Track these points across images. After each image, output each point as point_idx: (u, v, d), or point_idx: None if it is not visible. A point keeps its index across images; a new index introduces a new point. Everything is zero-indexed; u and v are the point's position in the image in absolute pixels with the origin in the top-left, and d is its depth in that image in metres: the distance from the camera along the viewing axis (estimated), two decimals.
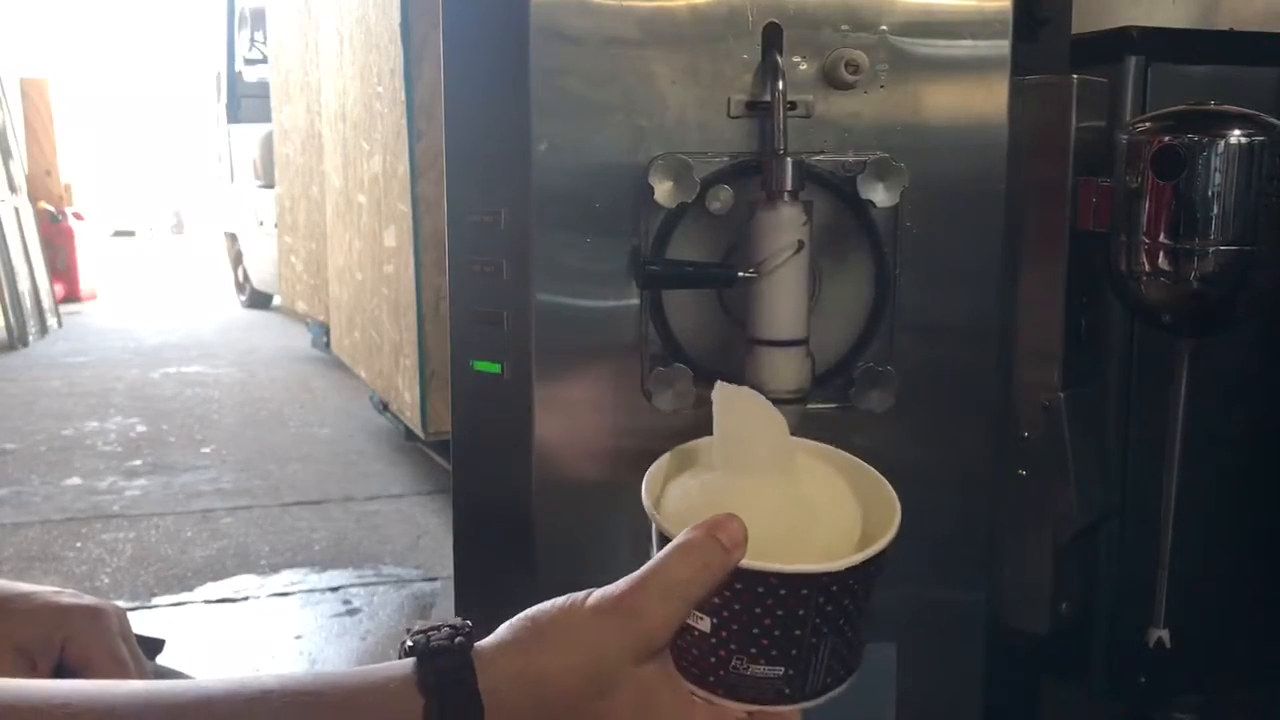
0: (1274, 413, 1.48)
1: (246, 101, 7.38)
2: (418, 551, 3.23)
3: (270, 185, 5.94)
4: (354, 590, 2.95)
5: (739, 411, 0.64)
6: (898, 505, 0.61)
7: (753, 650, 0.56)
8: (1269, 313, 1.27)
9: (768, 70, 1.07)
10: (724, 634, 0.56)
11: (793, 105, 1.07)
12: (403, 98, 3.02)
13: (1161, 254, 1.17)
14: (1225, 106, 1.17)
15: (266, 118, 5.76)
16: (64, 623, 0.72)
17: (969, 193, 1.15)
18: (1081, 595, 1.41)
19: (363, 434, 4.52)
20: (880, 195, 1.08)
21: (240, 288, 8.73)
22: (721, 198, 1.05)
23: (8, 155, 7.45)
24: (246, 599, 2.92)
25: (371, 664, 0.55)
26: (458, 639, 0.54)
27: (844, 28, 1.10)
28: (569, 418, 1.12)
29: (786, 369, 1.04)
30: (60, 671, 0.71)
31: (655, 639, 0.55)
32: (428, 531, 3.37)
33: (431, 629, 0.55)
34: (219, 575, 3.05)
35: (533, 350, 1.10)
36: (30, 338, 6.92)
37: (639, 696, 0.55)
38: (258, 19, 6.63)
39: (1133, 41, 1.36)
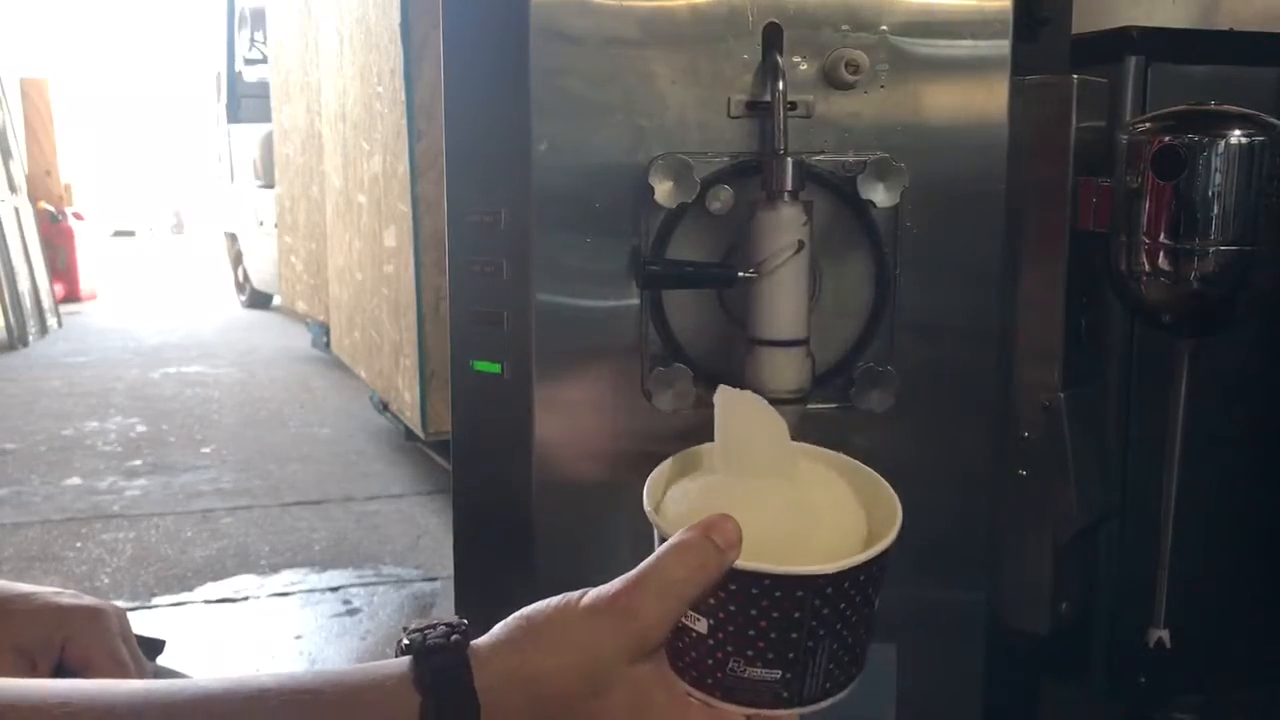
0: (1274, 413, 1.48)
1: (246, 101, 7.39)
2: (418, 551, 3.23)
3: (270, 185, 5.94)
4: (354, 590, 2.95)
5: (740, 415, 0.64)
6: (899, 509, 0.61)
7: (749, 652, 0.56)
8: (1269, 313, 1.27)
9: (768, 70, 1.07)
10: (720, 635, 0.56)
11: (793, 105, 1.07)
12: (403, 98, 3.02)
13: (1161, 254, 1.17)
14: (1225, 106, 1.17)
15: (266, 118, 5.77)
16: (64, 623, 0.72)
17: (969, 193, 1.15)
18: (1081, 595, 1.41)
19: (363, 434, 4.52)
20: (880, 195, 1.08)
21: (240, 288, 8.73)
22: (721, 198, 1.05)
23: (8, 155, 7.45)
24: (246, 599, 2.92)
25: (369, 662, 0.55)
26: (454, 637, 0.54)
27: (844, 28, 1.10)
28: (569, 418, 1.12)
29: (786, 369, 1.04)
30: (60, 672, 0.71)
31: (650, 638, 0.55)
32: (428, 531, 3.37)
33: (428, 627, 0.55)
34: (219, 575, 3.05)
35: (533, 350, 1.10)
36: (30, 338, 6.92)
37: (634, 696, 0.55)
38: (258, 19, 6.63)
39: (1133, 41, 1.36)
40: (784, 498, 0.62)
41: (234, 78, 7.62)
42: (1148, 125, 1.20)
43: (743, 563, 0.55)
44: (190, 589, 2.96)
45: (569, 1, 1.06)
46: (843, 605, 0.56)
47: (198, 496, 3.75)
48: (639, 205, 1.07)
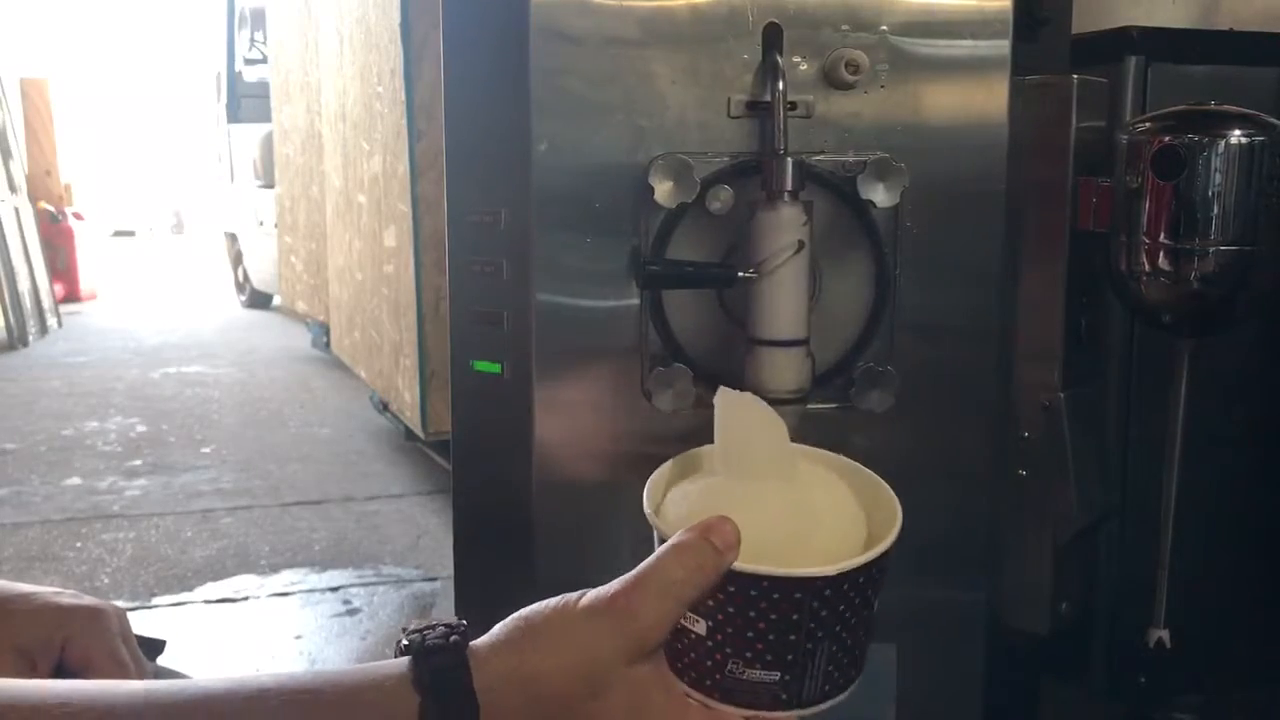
0: (1274, 413, 1.48)
1: (246, 101, 7.39)
2: (418, 551, 3.23)
3: (270, 185, 5.94)
4: (354, 590, 2.95)
5: (740, 417, 0.64)
6: (899, 511, 0.61)
7: (748, 654, 0.56)
8: (1269, 313, 1.27)
9: (768, 70, 1.07)
10: (719, 637, 0.56)
11: (793, 105, 1.07)
12: (403, 98, 3.02)
13: (1161, 254, 1.17)
14: (1225, 106, 1.17)
15: (266, 118, 5.77)
16: (64, 623, 0.72)
17: (969, 193, 1.15)
18: (1081, 595, 1.41)
19: (363, 434, 4.52)
20: (880, 195, 1.08)
21: (240, 288, 8.73)
22: (721, 198, 1.05)
23: (8, 155, 7.45)
24: (246, 599, 2.92)
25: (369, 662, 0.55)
26: (453, 638, 0.54)
27: (844, 28, 1.10)
28: (569, 418, 1.12)
29: (786, 369, 1.04)
30: (60, 672, 0.71)
31: (648, 639, 0.55)
32: (428, 531, 3.37)
33: (427, 628, 0.55)
34: (219, 575, 3.05)
35: (533, 350, 1.10)
36: (30, 338, 6.92)
37: (632, 697, 0.55)
38: (258, 19, 6.63)
39: (1133, 41, 1.36)
40: (783, 500, 0.62)
41: (234, 78, 7.62)
42: (1148, 125, 1.20)
43: (741, 564, 0.55)
44: (190, 589, 2.96)
45: (569, 1, 1.06)
46: (841, 608, 0.56)
47: (198, 496, 3.75)
48: (639, 205, 1.07)
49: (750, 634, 0.56)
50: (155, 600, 2.89)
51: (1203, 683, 1.49)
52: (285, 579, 3.03)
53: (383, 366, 3.60)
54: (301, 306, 5.23)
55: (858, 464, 0.67)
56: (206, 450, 4.36)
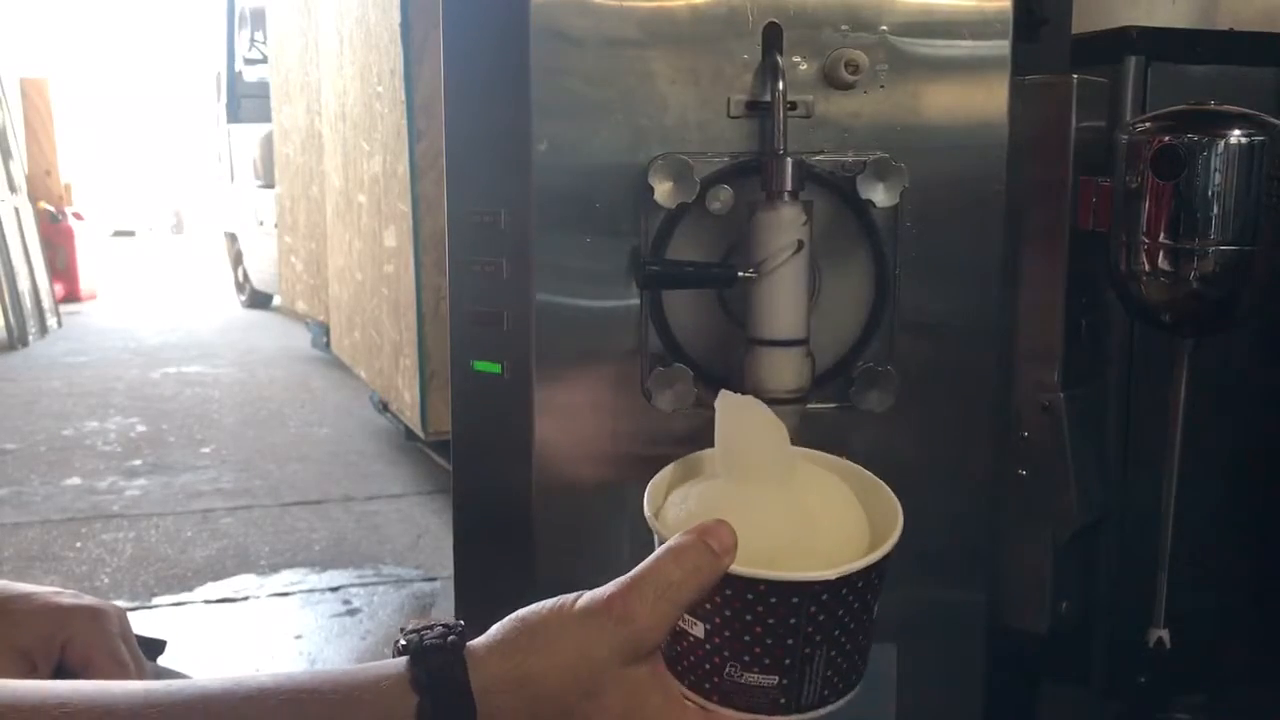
0: (1274, 413, 1.48)
1: (246, 101, 7.39)
2: (418, 551, 3.23)
3: (270, 185, 5.95)
4: (354, 590, 2.95)
5: (741, 420, 0.64)
6: (900, 516, 0.61)
7: (746, 658, 0.56)
8: (1269, 313, 1.27)
9: (768, 70, 1.07)
10: (717, 640, 0.56)
11: (793, 105, 1.07)
12: (403, 98, 3.02)
13: (1161, 254, 1.17)
14: (1225, 106, 1.17)
15: (266, 118, 5.77)
16: (64, 623, 0.72)
17: (969, 193, 1.15)
18: (1081, 595, 1.41)
19: (363, 434, 4.52)
20: (880, 195, 1.08)
21: (240, 288, 8.73)
22: (721, 198, 1.05)
23: (8, 155, 7.45)
24: (246, 599, 2.92)
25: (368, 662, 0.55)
26: (450, 638, 0.55)
27: (844, 28, 1.10)
28: (569, 418, 1.12)
29: (786, 369, 1.04)
30: (60, 672, 0.71)
31: (643, 641, 0.55)
32: (428, 531, 3.37)
33: (424, 628, 0.55)
34: (219, 575, 3.05)
35: (533, 350, 1.10)
36: (30, 338, 6.92)
37: (628, 699, 0.55)
38: (258, 19, 6.63)
39: (1133, 41, 1.35)
40: (784, 503, 0.62)
41: (234, 78, 7.62)
42: (1148, 125, 1.20)
43: (738, 568, 0.55)
44: (190, 589, 2.96)
45: (569, 1, 1.06)
46: (840, 612, 0.56)
47: (198, 496, 3.75)
48: (639, 205, 1.07)
49: (748, 638, 0.56)
50: (155, 600, 2.89)
51: (1203, 683, 1.49)
52: (285, 579, 3.03)
53: (383, 366, 3.60)
54: (301, 306, 5.23)
55: (860, 467, 0.67)
56: (206, 450, 4.36)
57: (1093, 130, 1.31)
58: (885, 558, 0.57)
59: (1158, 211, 1.17)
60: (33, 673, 0.70)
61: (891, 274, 1.12)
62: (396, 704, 0.52)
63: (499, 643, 0.55)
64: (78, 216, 9.03)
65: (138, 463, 4.17)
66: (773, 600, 0.55)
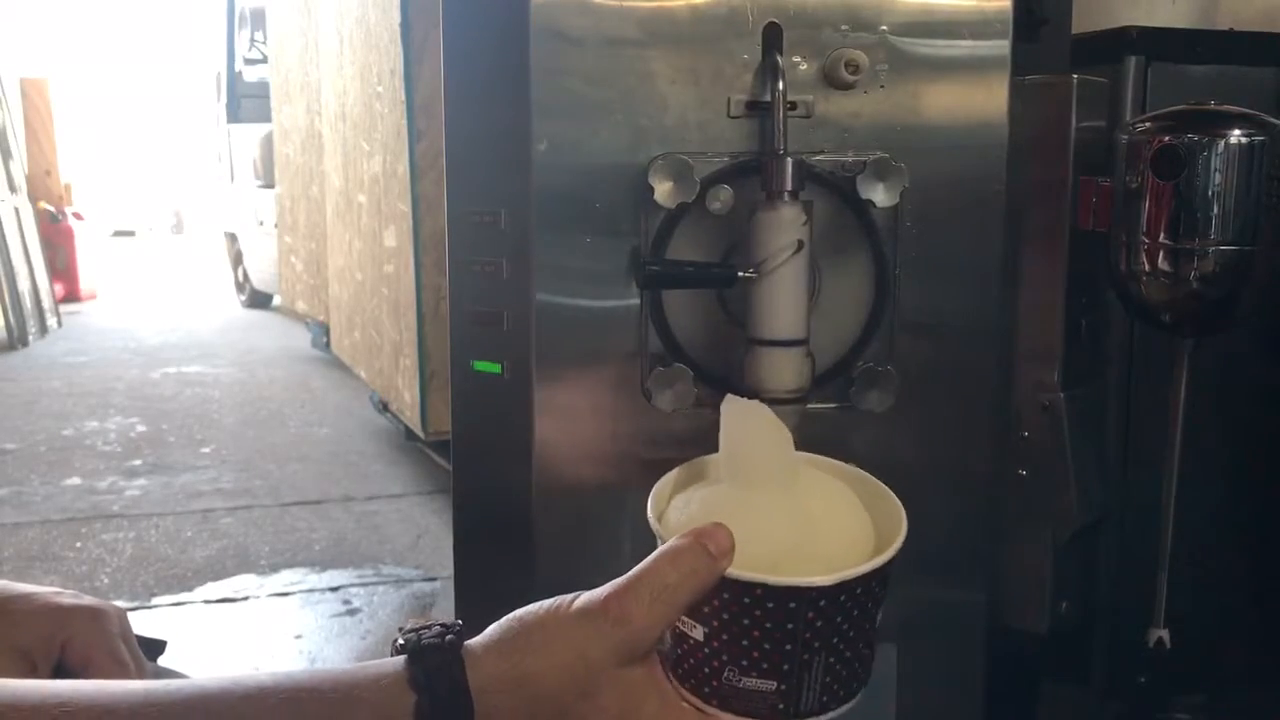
0: (1274, 413, 1.48)
1: (246, 101, 7.39)
2: (417, 551, 3.23)
3: (270, 185, 5.94)
4: (354, 590, 2.95)
5: (745, 425, 0.63)
6: (904, 523, 0.60)
7: (744, 662, 0.56)
8: (1269, 313, 1.27)
9: (768, 70, 1.07)
10: (715, 644, 0.56)
11: (793, 105, 1.07)
12: (403, 98, 3.02)
13: (1161, 254, 1.17)
14: (1225, 106, 1.17)
15: (266, 118, 5.77)
16: (64, 623, 0.72)
17: (969, 193, 1.15)
18: (1081, 595, 1.41)
19: (363, 434, 4.52)
20: (880, 195, 1.08)
21: (240, 288, 8.73)
22: (721, 198, 1.05)
23: (8, 155, 7.45)
24: (246, 599, 2.92)
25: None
26: (448, 637, 0.55)
27: (844, 28, 1.10)
28: (569, 418, 1.12)
29: (786, 369, 1.04)
30: (60, 672, 0.71)
31: (639, 642, 0.55)
32: (428, 531, 3.37)
33: (423, 627, 0.55)
34: (219, 575, 3.05)
35: (533, 350, 1.10)
36: (30, 338, 6.92)
37: (624, 700, 0.55)
38: (258, 19, 6.63)
39: (1133, 41, 1.35)
40: (786, 508, 0.61)
41: (234, 78, 7.62)
42: (1148, 125, 1.20)
43: (735, 571, 0.55)
44: (190, 589, 2.96)
45: (569, 1, 1.06)
46: (839, 620, 0.56)
47: (198, 496, 3.75)
48: (639, 205, 1.07)
49: (745, 642, 0.55)
50: (155, 600, 2.89)
51: (1203, 683, 1.49)
52: (285, 579, 3.03)
53: (383, 366, 3.60)
54: (301, 306, 5.23)
55: (866, 474, 0.66)
56: (206, 450, 4.36)
57: (1093, 130, 1.31)
58: (887, 565, 0.57)
59: (1158, 211, 1.17)
60: (33, 673, 0.70)
61: (891, 274, 1.12)
62: (394, 703, 0.52)
63: (496, 642, 0.55)
64: (78, 216, 9.03)
65: (138, 463, 4.17)
66: (770, 605, 0.54)
